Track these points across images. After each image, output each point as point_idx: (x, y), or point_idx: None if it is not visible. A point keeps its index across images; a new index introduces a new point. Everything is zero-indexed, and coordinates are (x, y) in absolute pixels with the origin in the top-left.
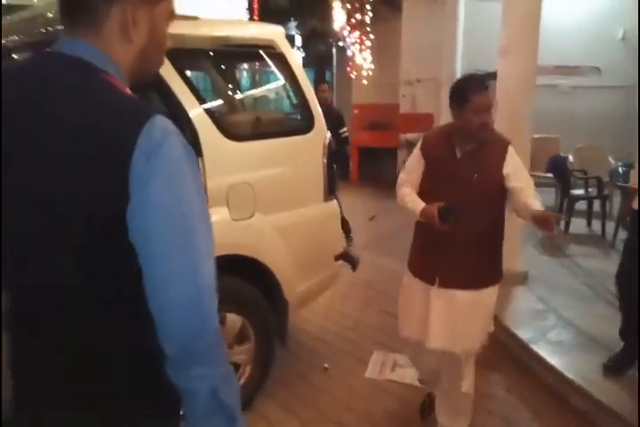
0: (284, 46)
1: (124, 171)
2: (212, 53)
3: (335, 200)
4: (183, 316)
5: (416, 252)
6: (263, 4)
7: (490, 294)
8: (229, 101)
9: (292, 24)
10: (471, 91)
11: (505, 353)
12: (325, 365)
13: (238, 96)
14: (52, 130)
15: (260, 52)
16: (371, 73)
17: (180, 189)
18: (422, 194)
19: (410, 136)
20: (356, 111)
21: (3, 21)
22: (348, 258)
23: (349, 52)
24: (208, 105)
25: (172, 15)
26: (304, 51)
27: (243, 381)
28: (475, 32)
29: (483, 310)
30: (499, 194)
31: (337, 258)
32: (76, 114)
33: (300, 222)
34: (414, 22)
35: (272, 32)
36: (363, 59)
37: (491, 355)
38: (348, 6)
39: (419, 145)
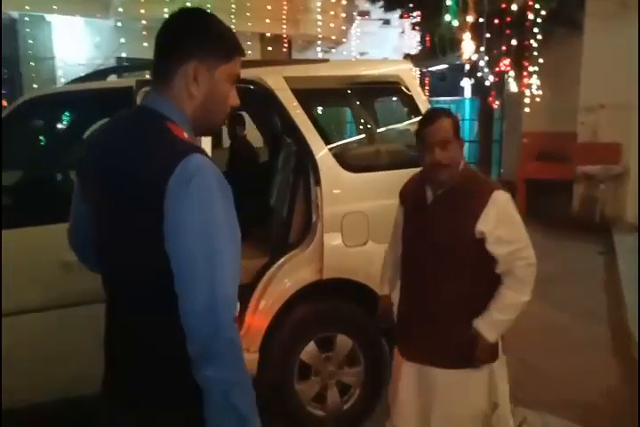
0: (409, 81)
1: (161, 194)
2: (339, 92)
3: None
4: (198, 321)
5: (397, 316)
6: (432, 36)
7: (479, 376)
8: (350, 136)
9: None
10: (421, 125)
11: None
12: None
13: (360, 130)
14: (122, 163)
15: (386, 87)
16: (539, 99)
17: (208, 213)
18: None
19: (589, 169)
20: (525, 140)
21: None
22: None
23: (487, 83)
24: (329, 140)
25: (235, 77)
26: (472, 79)
27: (351, 402)
28: None
29: (468, 396)
30: (477, 256)
31: None
32: (138, 153)
33: None
34: (599, 41)
35: (398, 68)
36: (524, 85)
37: None
38: (488, 35)
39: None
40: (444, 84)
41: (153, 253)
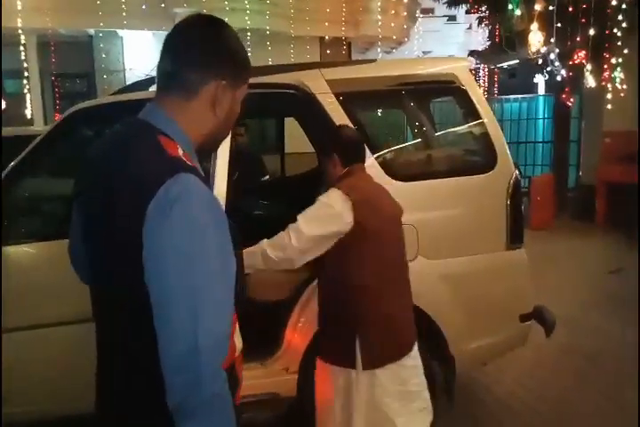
0: (465, 80)
1: (140, 219)
2: (387, 94)
3: (522, 249)
4: (176, 373)
5: None
6: (501, 30)
7: (335, 376)
8: (398, 140)
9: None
10: None
11: None
12: None
13: (413, 134)
14: (106, 180)
15: (440, 87)
16: (623, 95)
17: (191, 245)
18: None
19: None
20: (607, 140)
21: None
22: (540, 319)
23: (559, 77)
24: (376, 146)
25: (243, 99)
26: (545, 75)
27: None
28: None
29: (325, 391)
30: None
31: (524, 318)
32: (122, 168)
33: (472, 271)
34: None
35: (453, 66)
36: (605, 79)
37: None
38: (558, 25)
39: None
40: (514, 81)
41: (132, 281)
